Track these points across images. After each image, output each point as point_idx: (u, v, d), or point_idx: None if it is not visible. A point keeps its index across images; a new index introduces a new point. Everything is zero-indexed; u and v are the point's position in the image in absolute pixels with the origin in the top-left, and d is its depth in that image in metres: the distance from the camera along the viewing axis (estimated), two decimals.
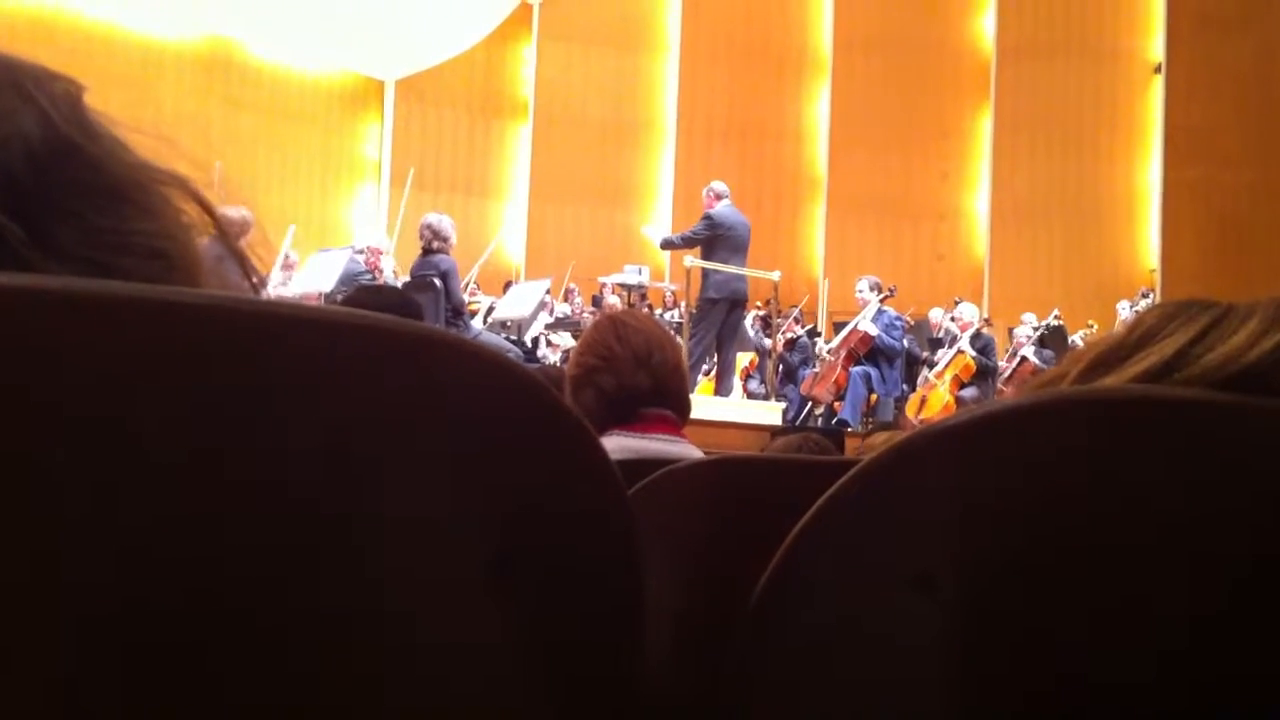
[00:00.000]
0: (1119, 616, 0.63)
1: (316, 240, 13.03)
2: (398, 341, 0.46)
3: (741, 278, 8.90)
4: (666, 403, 2.28)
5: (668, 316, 11.73)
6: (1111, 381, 0.77)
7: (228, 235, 0.57)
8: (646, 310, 10.54)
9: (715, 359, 9.28)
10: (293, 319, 0.44)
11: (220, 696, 0.44)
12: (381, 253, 9.59)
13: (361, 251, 9.03)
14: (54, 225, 0.48)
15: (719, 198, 9.17)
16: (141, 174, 0.52)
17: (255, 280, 0.60)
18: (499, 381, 0.48)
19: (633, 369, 2.23)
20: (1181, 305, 0.78)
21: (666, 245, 9.50)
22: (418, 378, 0.46)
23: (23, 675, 0.41)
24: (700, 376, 10.87)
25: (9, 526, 0.40)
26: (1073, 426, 0.60)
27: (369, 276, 8.90)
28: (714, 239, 8.89)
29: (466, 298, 9.43)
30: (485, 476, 0.49)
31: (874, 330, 9.74)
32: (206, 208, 0.56)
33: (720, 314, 8.73)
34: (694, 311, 9.15)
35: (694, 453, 2.23)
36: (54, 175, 0.48)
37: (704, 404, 8.69)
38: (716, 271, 8.73)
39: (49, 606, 0.41)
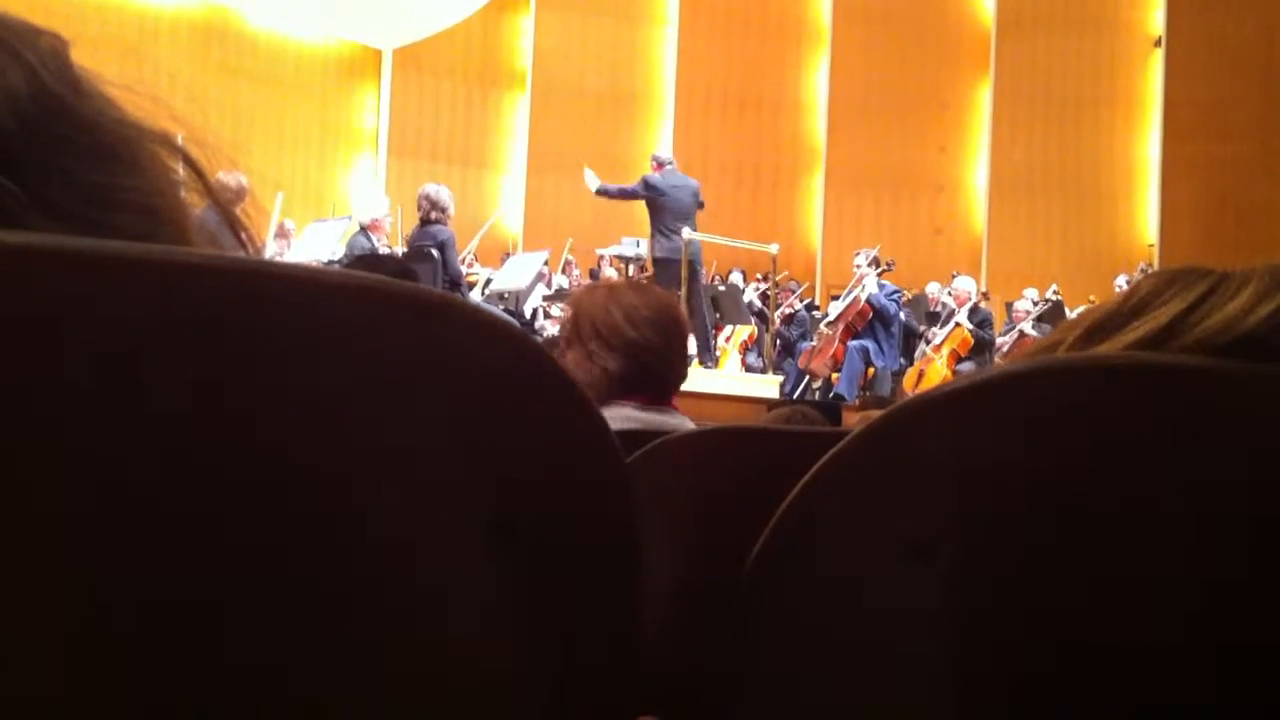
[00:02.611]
0: (1117, 583, 0.63)
1: (313, 210, 13.00)
2: (398, 304, 0.46)
3: (695, 243, 8.97)
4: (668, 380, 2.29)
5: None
6: (1107, 348, 0.77)
7: (216, 194, 0.57)
8: (645, 281, 10.52)
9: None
10: (292, 280, 0.43)
11: (220, 660, 0.45)
12: (384, 221, 9.55)
13: (364, 230, 8.96)
14: (45, 182, 0.47)
15: (661, 165, 9.35)
16: (130, 131, 0.52)
17: (251, 246, 0.59)
18: (499, 345, 0.48)
19: (646, 354, 2.22)
20: (1178, 273, 0.78)
21: (601, 193, 9.67)
22: (417, 340, 0.46)
23: (23, 635, 0.41)
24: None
25: (13, 485, 0.40)
26: (1069, 393, 0.60)
27: (382, 249, 8.85)
28: (655, 204, 9.04)
29: (464, 269, 9.41)
30: (484, 440, 0.49)
31: (872, 289, 9.74)
32: (194, 166, 0.55)
33: (676, 275, 8.75)
34: (649, 277, 9.21)
35: (687, 424, 2.23)
36: (44, 132, 0.48)
37: (701, 377, 8.70)
38: (665, 235, 8.87)
39: (51, 566, 0.41)
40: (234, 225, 0.58)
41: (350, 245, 8.63)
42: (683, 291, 8.60)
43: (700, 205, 9.25)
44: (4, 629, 0.41)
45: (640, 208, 9.32)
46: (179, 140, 0.55)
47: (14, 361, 0.39)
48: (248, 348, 0.43)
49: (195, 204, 0.56)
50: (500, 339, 0.48)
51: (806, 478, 0.62)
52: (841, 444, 0.61)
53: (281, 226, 9.99)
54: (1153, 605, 0.64)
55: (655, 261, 9.14)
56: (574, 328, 2.29)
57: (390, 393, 0.46)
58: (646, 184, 9.16)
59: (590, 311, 2.27)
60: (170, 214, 0.52)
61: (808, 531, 0.63)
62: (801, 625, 0.65)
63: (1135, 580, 0.63)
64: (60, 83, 0.50)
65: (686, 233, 8.67)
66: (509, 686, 0.52)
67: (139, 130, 0.53)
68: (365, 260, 4.34)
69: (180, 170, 0.55)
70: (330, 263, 8.34)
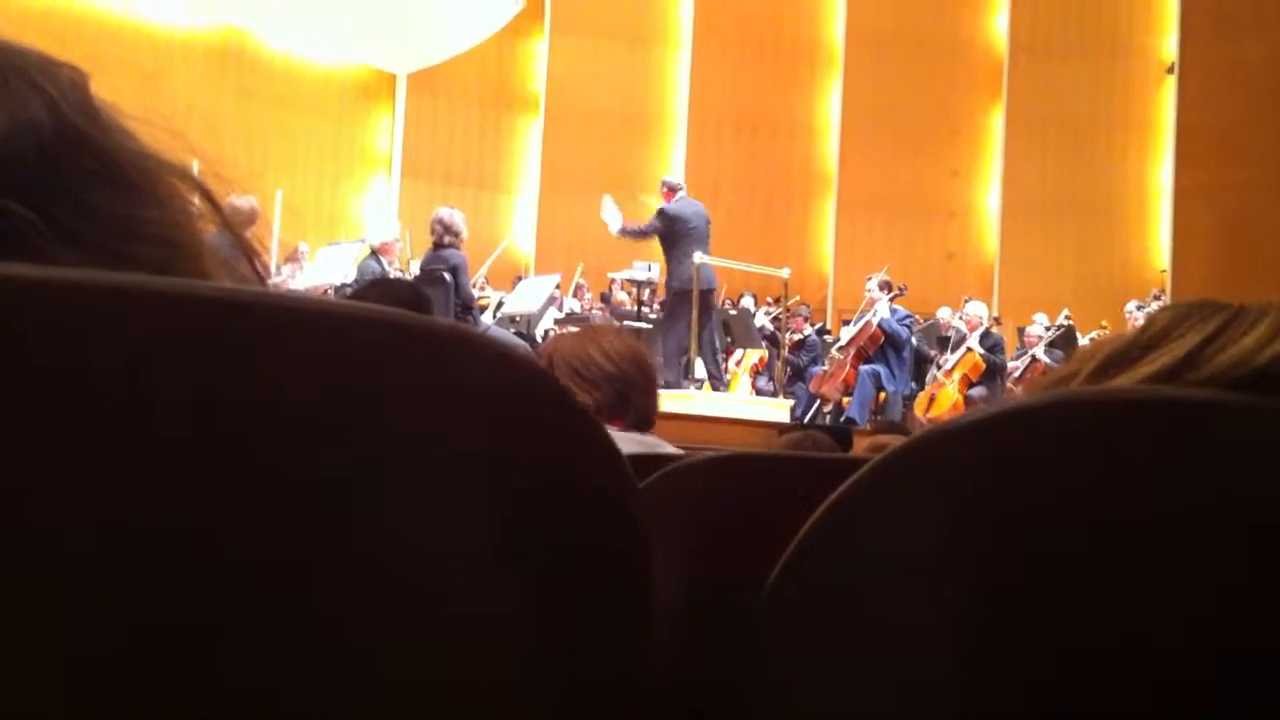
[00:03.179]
0: (1129, 618, 0.63)
1: (326, 232, 13.05)
2: (404, 334, 0.46)
3: (708, 267, 8.87)
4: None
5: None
6: (1123, 382, 0.77)
7: (233, 227, 0.57)
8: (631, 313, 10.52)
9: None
10: (303, 311, 0.44)
11: (219, 670, 0.45)
12: (394, 245, 9.58)
13: (374, 253, 8.97)
14: (66, 213, 0.48)
15: (673, 191, 9.12)
16: (149, 163, 0.53)
17: (261, 270, 0.60)
18: (507, 374, 0.48)
19: (625, 386, 2.32)
20: (1194, 306, 0.78)
21: (622, 233, 9.30)
22: (425, 370, 0.46)
23: (26, 648, 0.41)
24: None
25: (15, 497, 0.40)
26: (1084, 427, 0.60)
27: (393, 273, 8.87)
28: (674, 234, 8.84)
29: (476, 292, 9.43)
30: (493, 468, 0.49)
31: (884, 314, 9.71)
32: (211, 199, 0.56)
33: (689, 306, 8.68)
34: (661, 307, 9.13)
35: (668, 447, 2.32)
36: (65, 163, 0.49)
37: (711, 401, 8.70)
38: (681, 265, 8.70)
39: (54, 580, 0.41)
40: (247, 251, 0.58)
41: (361, 269, 8.65)
42: (693, 315, 8.59)
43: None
44: (3, 640, 0.41)
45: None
46: (195, 172, 0.55)
47: (23, 385, 0.39)
48: (252, 376, 0.43)
49: (209, 228, 0.56)
50: (508, 367, 0.48)
51: (824, 505, 0.62)
52: (858, 473, 0.61)
53: (295, 250, 10.02)
54: (1164, 641, 0.63)
55: (677, 295, 8.86)
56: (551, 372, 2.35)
57: (396, 421, 0.46)
58: (665, 215, 8.87)
59: (566, 354, 2.35)
60: (188, 246, 0.53)
61: (825, 558, 0.63)
62: (820, 648, 0.65)
63: (1147, 614, 0.63)
64: (80, 114, 0.51)
65: (698, 257, 8.64)
66: (512, 700, 0.52)
67: (157, 162, 0.53)
68: (379, 285, 4.35)
69: (196, 201, 0.55)
70: (343, 286, 8.37)
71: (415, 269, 9.25)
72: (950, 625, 0.63)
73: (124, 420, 0.41)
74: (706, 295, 9.01)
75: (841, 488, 0.61)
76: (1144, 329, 0.79)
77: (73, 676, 0.42)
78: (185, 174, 0.54)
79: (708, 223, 8.99)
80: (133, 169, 0.52)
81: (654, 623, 0.54)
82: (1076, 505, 0.61)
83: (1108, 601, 0.63)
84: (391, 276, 8.33)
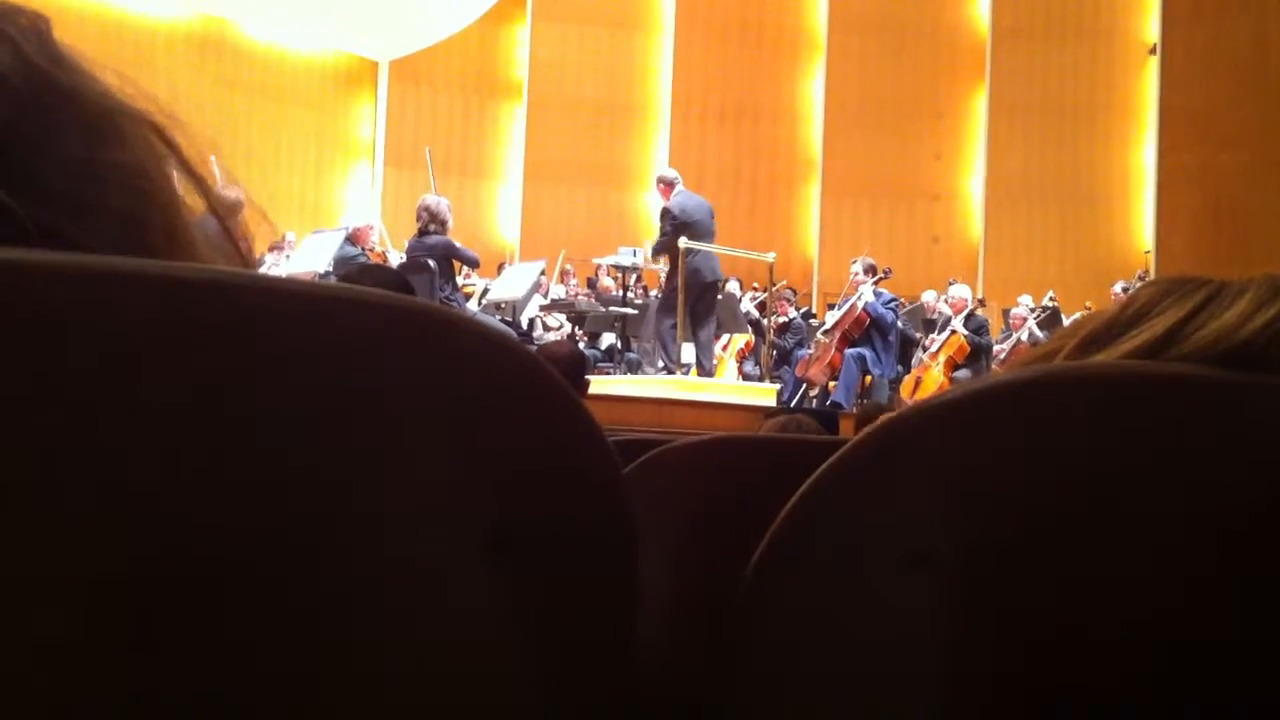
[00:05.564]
0: (1114, 590, 0.63)
1: (310, 221, 13.01)
2: (393, 316, 0.46)
3: (711, 257, 8.85)
4: None
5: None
6: (1104, 358, 0.77)
7: (196, 173, 0.56)
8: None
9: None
10: (290, 293, 0.44)
11: (218, 661, 0.45)
12: (370, 229, 9.57)
13: (350, 239, 8.97)
14: (30, 158, 0.47)
15: (671, 186, 9.03)
16: (113, 103, 0.52)
17: (245, 251, 0.59)
18: (495, 357, 0.48)
19: None
20: (1175, 282, 0.78)
21: (657, 253, 9.37)
22: (414, 352, 0.46)
23: (29, 639, 0.41)
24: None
25: (20, 491, 0.40)
26: (1066, 402, 0.60)
27: (363, 258, 8.88)
28: (681, 231, 8.81)
29: (461, 280, 9.42)
30: (481, 450, 0.49)
31: (869, 298, 9.71)
32: (170, 144, 0.55)
33: (691, 297, 8.66)
34: (661, 297, 9.11)
35: None
36: (29, 108, 0.48)
37: (698, 386, 8.71)
38: (688, 256, 8.66)
39: (53, 569, 0.41)
40: (225, 228, 0.57)
41: (336, 256, 8.63)
42: (681, 298, 8.58)
43: None
44: (4, 631, 0.41)
45: (636, 218, 9.20)
46: (155, 118, 0.54)
47: (19, 372, 0.39)
48: (247, 359, 0.43)
49: (197, 208, 0.55)
50: (495, 349, 0.48)
51: (806, 485, 0.62)
52: (840, 452, 0.62)
53: (281, 239, 9.98)
54: (1150, 609, 0.64)
55: (676, 290, 8.78)
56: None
57: (387, 402, 0.46)
58: (674, 218, 8.76)
59: None
60: (158, 195, 0.52)
61: (808, 538, 0.63)
62: (801, 628, 0.65)
63: (1131, 584, 0.63)
64: (43, 56, 0.50)
65: (684, 243, 8.61)
66: (506, 688, 0.52)
67: (122, 105, 0.52)
68: (367, 271, 4.35)
69: (159, 146, 0.54)
70: (327, 274, 8.35)
71: (394, 259, 9.23)
72: (937, 601, 0.63)
73: (121, 409, 0.41)
74: (711, 288, 8.99)
75: (822, 467, 0.61)
76: (1126, 305, 0.80)
77: (71, 668, 0.42)
78: (153, 123, 0.53)
79: (711, 214, 8.96)
80: (96, 109, 0.51)
81: (640, 609, 0.55)
82: (1057, 479, 0.61)
83: (1095, 569, 0.63)
84: (379, 265, 8.32)
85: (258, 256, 0.63)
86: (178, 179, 0.54)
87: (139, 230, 0.50)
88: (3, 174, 0.46)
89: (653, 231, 11.52)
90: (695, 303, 8.77)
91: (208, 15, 14.56)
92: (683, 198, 8.92)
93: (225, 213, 0.58)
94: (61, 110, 0.49)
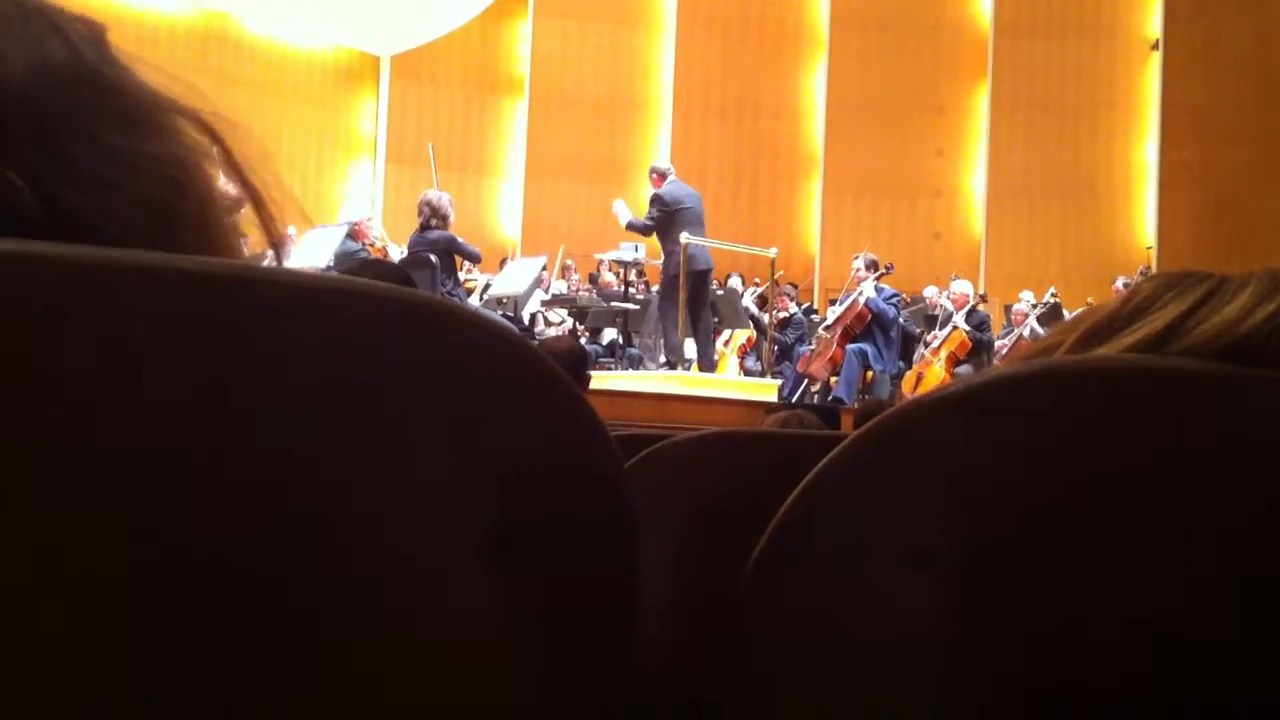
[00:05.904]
0: (1114, 589, 0.63)
1: (311, 216, 12.99)
2: (395, 309, 0.46)
3: (704, 249, 8.86)
4: None
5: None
6: (1105, 352, 0.77)
7: (240, 168, 0.57)
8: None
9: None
10: (291, 286, 0.44)
11: (218, 662, 0.45)
12: (368, 222, 9.57)
13: (351, 234, 8.98)
14: (67, 142, 0.48)
15: (663, 177, 9.09)
16: (157, 98, 0.53)
17: (276, 231, 0.59)
18: (496, 350, 0.48)
19: None
20: (1176, 276, 0.78)
21: (630, 228, 9.31)
22: (415, 345, 0.46)
23: (29, 639, 0.41)
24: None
25: (20, 491, 0.40)
26: (1067, 396, 0.60)
27: (364, 253, 8.88)
28: (672, 218, 8.83)
29: (462, 275, 9.42)
30: (483, 445, 0.49)
31: (870, 293, 9.71)
32: (217, 139, 0.56)
33: (686, 287, 8.68)
34: (659, 291, 9.11)
35: None
36: (76, 99, 0.49)
37: (699, 381, 8.71)
38: (678, 246, 8.69)
39: (53, 568, 0.41)
40: (258, 206, 0.58)
41: (336, 252, 8.66)
42: (681, 296, 8.58)
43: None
44: (5, 632, 0.41)
45: (638, 213, 9.21)
46: (201, 114, 0.55)
47: (17, 369, 0.39)
48: (247, 353, 0.43)
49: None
50: (497, 343, 0.48)
51: (806, 480, 0.62)
52: (840, 447, 0.62)
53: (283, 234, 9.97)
54: (1150, 609, 0.64)
55: (673, 279, 8.82)
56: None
57: (389, 395, 0.46)
58: (661, 201, 8.85)
59: None
60: (194, 188, 0.52)
61: (808, 534, 0.63)
62: (801, 626, 0.65)
63: (1133, 581, 0.63)
64: (94, 53, 0.51)
65: (684, 238, 8.62)
66: (507, 686, 0.52)
67: (166, 101, 0.53)
68: (368, 266, 4.35)
69: (204, 142, 0.55)
70: (328, 269, 8.35)
71: (395, 254, 9.23)
72: (938, 597, 0.63)
73: (120, 406, 0.41)
74: (704, 276, 9.00)
75: (822, 463, 0.61)
76: (1126, 299, 0.80)
77: (72, 669, 0.42)
78: (196, 116, 0.55)
79: (699, 200, 9.00)
80: (140, 102, 0.52)
81: (641, 605, 0.55)
82: (1058, 475, 0.61)
83: (1096, 564, 0.63)
84: (381, 259, 8.33)
85: (258, 252, 0.63)
86: (224, 178, 0.55)
87: (170, 220, 0.50)
88: (37, 155, 0.47)
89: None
90: (692, 292, 8.79)
91: (209, 10, 14.55)
92: (674, 186, 8.96)
93: (232, 209, 0.58)
94: (103, 100, 0.50)
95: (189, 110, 0.54)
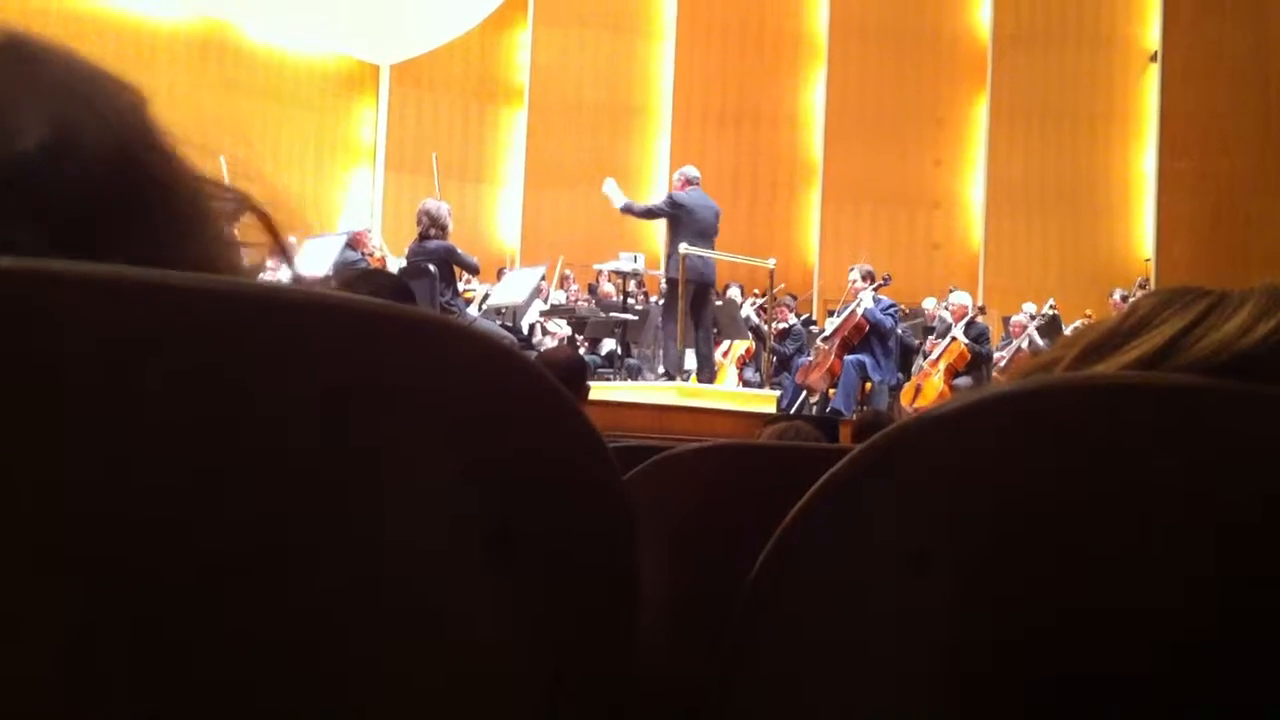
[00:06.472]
0: (1114, 597, 0.63)
1: (311, 224, 13.00)
2: (393, 325, 0.46)
3: (707, 262, 8.86)
4: None
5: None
6: (1105, 368, 0.77)
7: (290, 257, 0.56)
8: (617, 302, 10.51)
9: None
10: (290, 302, 0.44)
11: (219, 661, 0.45)
12: (367, 233, 9.58)
13: (350, 244, 8.99)
14: (102, 243, 0.47)
15: (689, 183, 9.10)
16: (201, 187, 0.52)
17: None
18: (495, 365, 0.49)
19: None
20: (1176, 292, 0.78)
21: (626, 210, 9.32)
22: (414, 360, 0.47)
23: (28, 644, 0.41)
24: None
25: (20, 492, 0.40)
26: (1067, 412, 0.60)
27: (363, 263, 8.88)
28: (677, 221, 8.84)
29: (461, 285, 9.42)
30: (481, 458, 0.49)
31: (868, 304, 9.72)
32: (271, 228, 0.55)
33: (685, 297, 8.68)
34: (661, 303, 9.12)
35: None
36: (115, 189, 0.48)
37: (698, 392, 8.71)
38: (677, 256, 8.70)
39: (54, 575, 0.41)
40: (288, 258, 0.58)
41: (336, 260, 8.66)
42: (680, 305, 8.59)
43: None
44: (5, 632, 0.41)
45: (637, 223, 9.24)
46: (252, 200, 0.54)
47: (21, 377, 0.39)
48: (247, 369, 0.43)
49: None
50: (494, 356, 0.48)
51: (809, 494, 0.62)
52: (842, 462, 0.62)
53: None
54: (1149, 622, 0.64)
55: (670, 282, 8.87)
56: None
57: (385, 409, 0.47)
58: (674, 201, 8.90)
59: None
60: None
61: (810, 546, 0.63)
62: (803, 634, 0.65)
63: (1131, 596, 0.63)
64: (138, 142, 0.50)
65: (683, 248, 8.62)
66: (507, 690, 0.52)
67: (209, 189, 0.52)
68: (367, 277, 4.36)
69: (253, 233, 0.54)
70: (327, 278, 8.34)
71: (393, 264, 9.24)
72: (939, 609, 0.63)
73: (123, 416, 0.41)
74: (705, 289, 9.00)
75: (824, 478, 0.61)
76: (1126, 315, 0.80)
77: (72, 669, 0.42)
78: (241, 200, 0.54)
79: (716, 215, 8.98)
80: (184, 198, 0.51)
81: (640, 615, 0.55)
82: (1059, 487, 0.61)
83: (1094, 578, 0.63)
84: (368, 268, 8.34)
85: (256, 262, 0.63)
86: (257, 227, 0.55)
87: None
88: (70, 251, 0.45)
89: (655, 236, 11.52)
90: (694, 304, 8.79)
91: (209, 17, 14.58)
92: (694, 194, 8.95)
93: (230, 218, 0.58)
94: (149, 196, 0.49)
95: (226, 191, 0.53)
